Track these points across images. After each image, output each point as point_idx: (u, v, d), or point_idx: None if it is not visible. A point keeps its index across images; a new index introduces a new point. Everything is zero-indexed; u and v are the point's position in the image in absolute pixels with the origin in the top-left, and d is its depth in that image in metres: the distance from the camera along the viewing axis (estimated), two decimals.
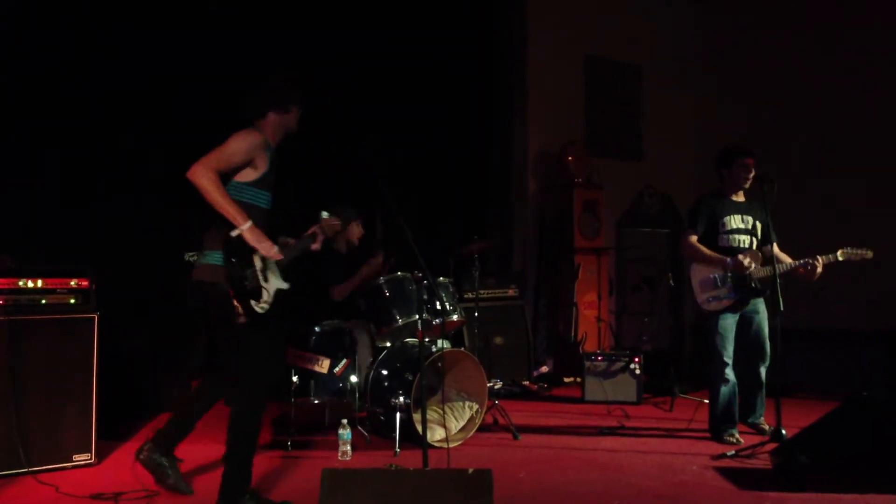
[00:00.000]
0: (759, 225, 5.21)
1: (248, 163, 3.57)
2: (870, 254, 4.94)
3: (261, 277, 3.50)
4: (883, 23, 7.66)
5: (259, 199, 3.65)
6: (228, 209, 3.42)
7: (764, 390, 5.26)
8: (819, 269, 4.95)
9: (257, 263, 3.51)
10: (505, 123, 8.56)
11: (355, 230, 5.83)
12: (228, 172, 3.53)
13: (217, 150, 3.49)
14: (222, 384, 3.91)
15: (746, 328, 5.18)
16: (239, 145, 3.53)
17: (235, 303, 3.44)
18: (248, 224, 3.44)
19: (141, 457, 3.82)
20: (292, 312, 5.54)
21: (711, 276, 5.11)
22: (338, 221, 4.23)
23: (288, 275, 3.70)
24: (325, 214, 4.16)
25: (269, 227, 3.67)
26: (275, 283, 3.59)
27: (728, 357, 5.11)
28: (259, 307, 3.48)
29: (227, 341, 3.63)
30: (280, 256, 3.57)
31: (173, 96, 6.13)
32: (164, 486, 3.85)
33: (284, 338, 3.91)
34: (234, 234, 3.43)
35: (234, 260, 3.42)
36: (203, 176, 3.39)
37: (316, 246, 4.07)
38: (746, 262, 4.96)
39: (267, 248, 3.50)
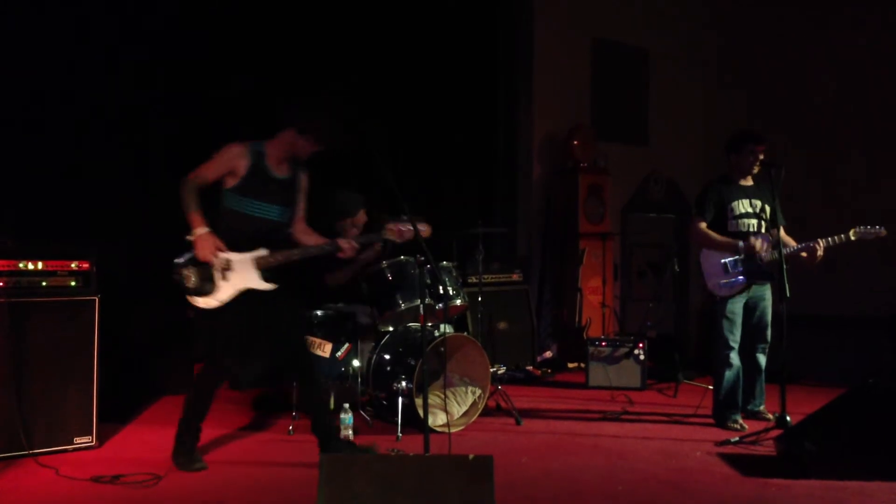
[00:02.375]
0: (767, 208, 5.16)
1: (230, 171, 3.92)
2: (884, 231, 4.89)
3: (217, 276, 3.90)
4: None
5: (241, 205, 3.95)
6: (188, 216, 3.85)
7: (763, 377, 5.24)
8: (820, 253, 4.90)
9: (217, 264, 3.90)
10: (511, 107, 8.49)
11: (362, 218, 5.78)
12: (216, 180, 3.94)
13: (201, 165, 3.92)
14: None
15: (750, 313, 5.15)
16: (215, 158, 3.93)
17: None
18: (199, 231, 3.83)
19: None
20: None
21: (722, 261, 5.07)
22: (402, 227, 4.14)
23: (274, 277, 4.02)
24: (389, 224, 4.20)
25: (258, 231, 3.97)
26: (240, 283, 3.93)
27: (734, 341, 5.08)
28: (205, 303, 3.90)
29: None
30: (205, 258, 3.84)
31: (179, 81, 6.09)
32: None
33: (254, 332, 4.03)
34: (188, 237, 3.85)
35: (181, 261, 3.89)
36: (182, 188, 3.86)
37: (344, 254, 4.16)
38: (758, 244, 4.93)
39: (201, 254, 3.84)
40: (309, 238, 4.19)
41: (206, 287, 3.89)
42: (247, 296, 3.94)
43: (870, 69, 7.73)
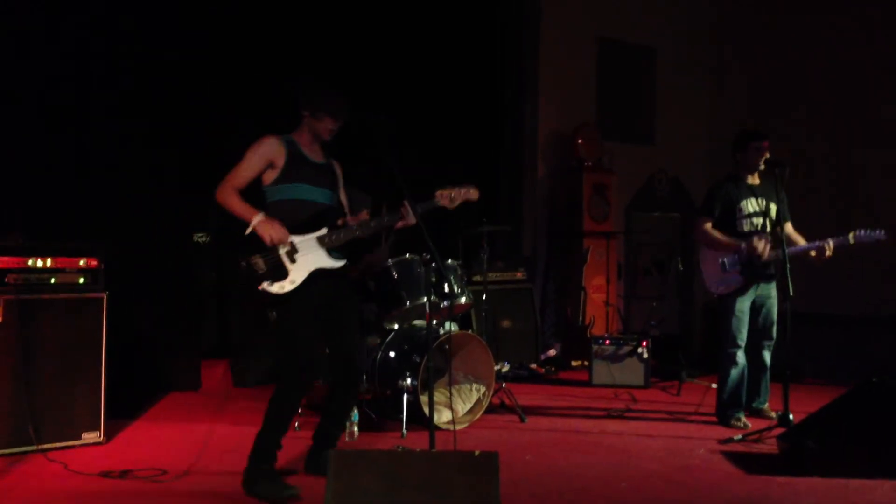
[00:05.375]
0: (772, 207, 5.17)
1: (269, 166, 3.85)
2: (884, 235, 4.90)
3: (286, 260, 3.77)
4: None
5: (291, 192, 3.87)
6: (240, 213, 3.76)
7: (768, 375, 5.26)
8: (829, 253, 4.92)
9: (281, 248, 3.77)
10: (516, 105, 8.50)
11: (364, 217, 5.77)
12: (254, 181, 3.86)
13: (233, 168, 3.82)
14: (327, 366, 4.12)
15: (757, 312, 5.17)
16: (248, 158, 3.84)
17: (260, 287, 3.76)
18: (257, 218, 3.72)
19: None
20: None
21: (720, 260, 5.08)
22: (454, 191, 4.27)
23: (344, 253, 3.98)
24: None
25: (314, 214, 3.90)
26: (311, 263, 3.82)
27: (741, 340, 5.09)
28: (280, 287, 3.74)
29: (272, 325, 3.96)
30: (278, 238, 3.73)
31: (187, 80, 6.11)
32: None
33: (341, 314, 3.93)
34: (247, 231, 3.74)
35: (242, 256, 3.76)
36: (220, 196, 3.79)
37: (404, 222, 4.14)
38: (760, 246, 4.94)
39: (272, 235, 3.72)
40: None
41: (279, 271, 3.76)
42: (319, 279, 3.84)
43: (870, 69, 7.74)
